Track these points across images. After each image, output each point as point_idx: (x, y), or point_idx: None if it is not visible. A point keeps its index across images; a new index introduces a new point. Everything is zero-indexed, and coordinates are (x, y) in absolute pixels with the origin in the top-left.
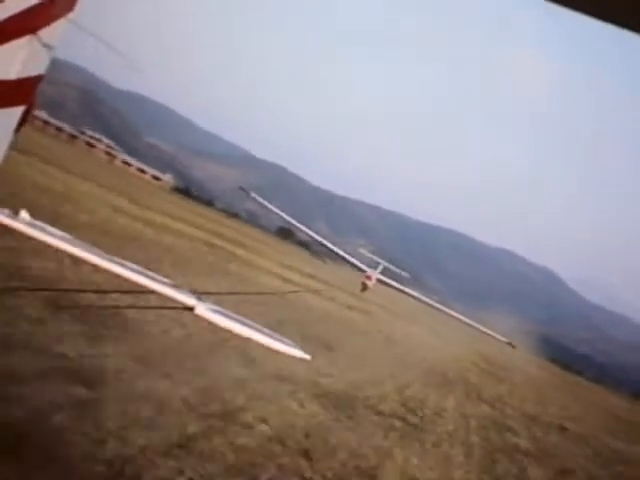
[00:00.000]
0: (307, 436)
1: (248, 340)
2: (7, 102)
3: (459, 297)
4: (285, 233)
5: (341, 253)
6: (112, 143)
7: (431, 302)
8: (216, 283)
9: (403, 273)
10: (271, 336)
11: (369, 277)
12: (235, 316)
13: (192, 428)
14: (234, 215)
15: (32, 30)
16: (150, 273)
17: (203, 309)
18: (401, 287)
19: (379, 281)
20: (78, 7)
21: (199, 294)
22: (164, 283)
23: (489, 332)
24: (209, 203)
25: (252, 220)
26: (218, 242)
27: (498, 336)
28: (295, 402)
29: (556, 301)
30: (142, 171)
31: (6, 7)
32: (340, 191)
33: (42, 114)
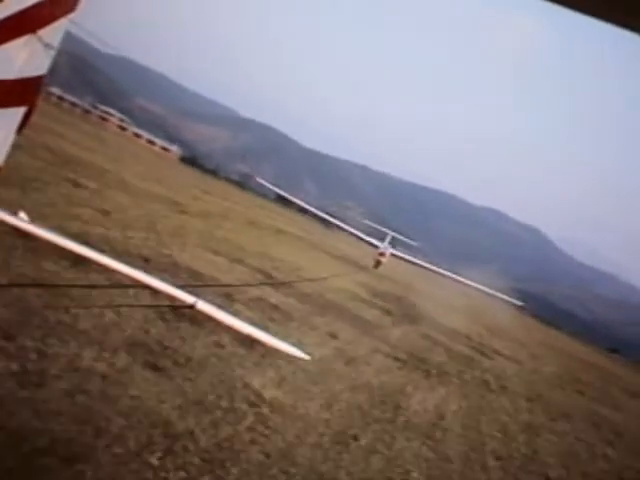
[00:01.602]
0: None
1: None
2: (7, 102)
3: (446, 256)
4: (285, 200)
5: (348, 228)
6: (124, 117)
7: (444, 272)
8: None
9: (412, 242)
10: (271, 334)
11: (383, 254)
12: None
13: None
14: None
15: (32, 29)
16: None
17: (203, 306)
18: (415, 260)
19: (393, 255)
20: (80, 7)
21: (198, 292)
22: (163, 280)
23: (496, 294)
24: (214, 172)
25: (245, 182)
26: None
27: (505, 297)
28: None
29: (543, 259)
30: (151, 142)
31: (5, 6)
32: (328, 151)
33: (56, 90)
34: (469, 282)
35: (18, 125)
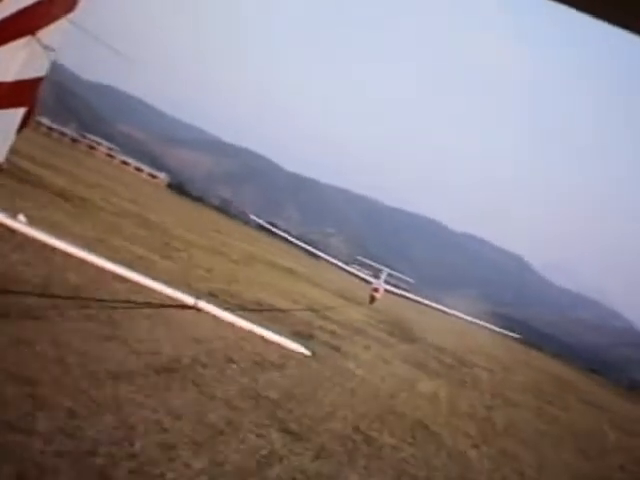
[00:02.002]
0: None
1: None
2: (6, 103)
3: (429, 282)
4: (269, 229)
5: (343, 266)
6: (112, 145)
7: (440, 307)
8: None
9: (407, 278)
10: (272, 331)
11: (377, 289)
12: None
13: None
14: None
15: (31, 31)
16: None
17: (204, 307)
18: (410, 295)
19: (387, 291)
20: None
21: (198, 293)
22: (164, 282)
23: (493, 327)
24: (201, 199)
25: (225, 207)
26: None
27: (500, 330)
28: None
29: (523, 285)
30: (139, 169)
31: (4, 7)
32: (311, 174)
33: (45, 120)
34: (459, 314)
35: (18, 126)
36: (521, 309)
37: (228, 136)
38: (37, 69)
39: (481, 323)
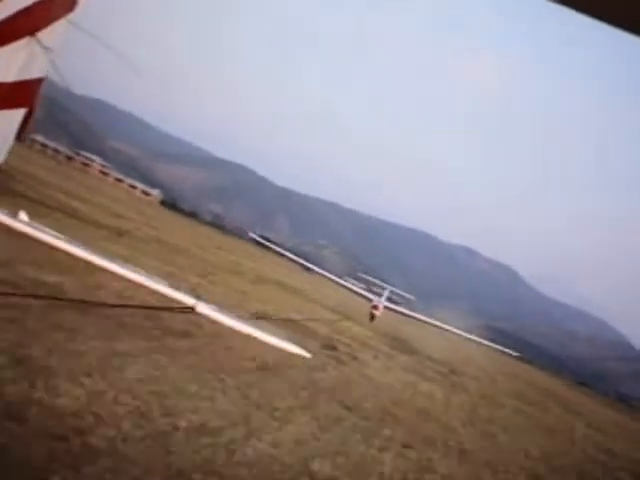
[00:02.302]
0: None
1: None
2: (5, 104)
3: (421, 296)
4: (267, 245)
5: (345, 283)
6: (105, 162)
7: (438, 324)
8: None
9: (408, 296)
10: (271, 333)
11: (376, 307)
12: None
13: None
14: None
15: (31, 31)
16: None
17: (203, 308)
18: (409, 312)
19: (386, 308)
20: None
21: (198, 294)
22: (163, 283)
23: (488, 343)
24: (194, 215)
25: (218, 222)
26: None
27: (500, 347)
28: None
29: (514, 297)
30: (133, 187)
31: (4, 8)
32: (301, 189)
33: (39, 138)
34: (456, 331)
35: (19, 128)
36: (513, 322)
37: (220, 151)
38: (37, 70)
39: (479, 340)
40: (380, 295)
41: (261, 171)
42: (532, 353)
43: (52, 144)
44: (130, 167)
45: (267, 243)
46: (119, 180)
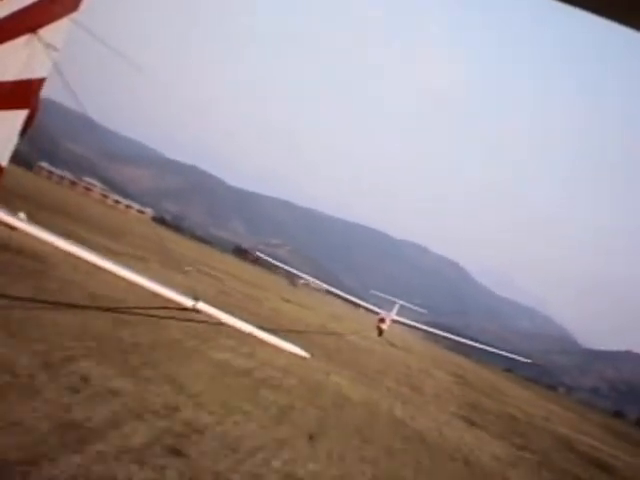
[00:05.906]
0: None
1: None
2: (6, 104)
3: (369, 291)
4: (241, 252)
5: (354, 300)
6: (105, 187)
7: (444, 334)
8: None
9: (420, 309)
10: (271, 333)
11: (383, 320)
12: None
13: None
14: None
15: (32, 29)
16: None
17: (204, 307)
18: (417, 325)
19: (394, 321)
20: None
21: (197, 295)
22: (162, 284)
23: (508, 354)
24: (178, 228)
25: (177, 222)
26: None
27: (513, 355)
28: None
29: (463, 294)
30: (129, 207)
31: (4, 5)
32: (254, 188)
33: (45, 164)
34: (451, 336)
35: (21, 128)
36: (459, 317)
37: (172, 152)
38: (39, 69)
39: (480, 346)
40: (391, 309)
41: (214, 171)
42: (479, 350)
43: (56, 170)
44: (83, 168)
45: (266, 257)
46: (117, 202)
